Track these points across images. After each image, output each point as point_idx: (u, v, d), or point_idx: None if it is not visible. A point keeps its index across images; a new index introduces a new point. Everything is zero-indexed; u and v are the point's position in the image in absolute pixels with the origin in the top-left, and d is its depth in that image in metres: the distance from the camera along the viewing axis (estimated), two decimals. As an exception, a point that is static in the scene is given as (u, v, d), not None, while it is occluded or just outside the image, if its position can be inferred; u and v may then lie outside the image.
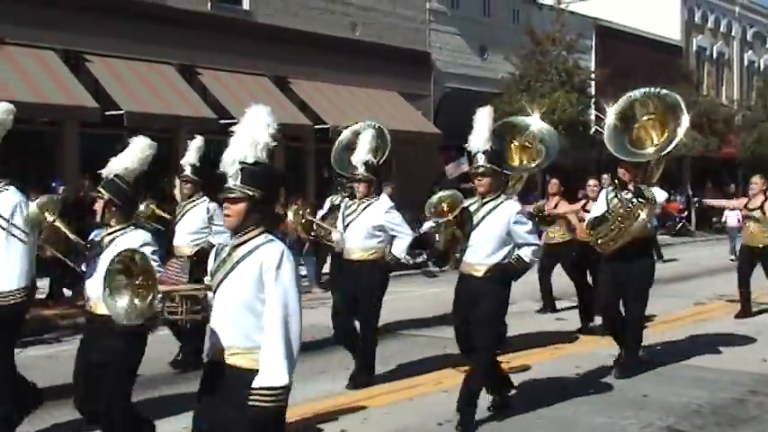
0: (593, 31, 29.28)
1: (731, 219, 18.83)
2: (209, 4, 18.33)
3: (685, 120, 7.88)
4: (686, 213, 28.74)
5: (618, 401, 6.89)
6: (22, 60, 15.13)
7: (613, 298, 7.94)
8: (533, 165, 7.83)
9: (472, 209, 6.29)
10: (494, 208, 6.24)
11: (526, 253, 6.20)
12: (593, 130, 24.63)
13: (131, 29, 16.62)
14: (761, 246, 10.97)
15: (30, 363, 7.38)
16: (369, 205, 7.58)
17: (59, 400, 7.15)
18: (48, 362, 8.61)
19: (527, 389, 7.21)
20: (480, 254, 6.23)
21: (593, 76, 24.59)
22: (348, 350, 7.76)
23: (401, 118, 21.30)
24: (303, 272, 14.60)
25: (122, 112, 15.38)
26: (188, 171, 8.57)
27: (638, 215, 7.58)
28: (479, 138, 6.43)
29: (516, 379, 7.56)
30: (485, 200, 6.30)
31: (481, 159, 6.30)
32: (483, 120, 6.56)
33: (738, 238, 17.57)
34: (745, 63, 39.39)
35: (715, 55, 37.06)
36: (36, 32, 15.33)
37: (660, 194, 8.07)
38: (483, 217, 6.23)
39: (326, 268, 15.45)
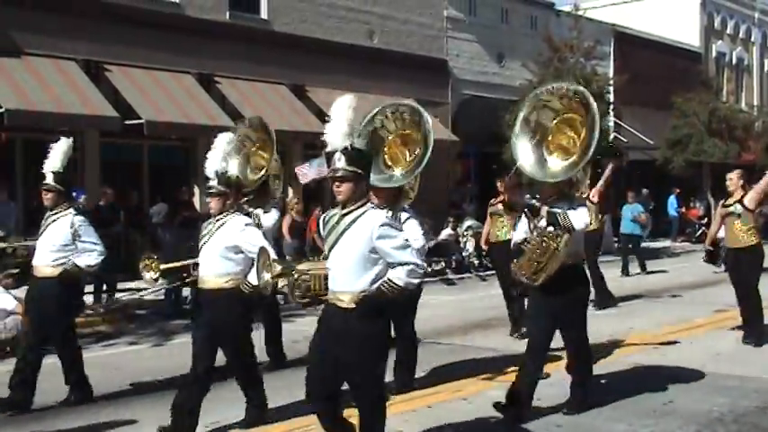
0: (611, 38, 29.18)
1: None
2: (227, 13, 18.43)
3: (595, 110, 6.43)
4: (706, 220, 28.55)
5: (639, 409, 6.83)
6: (42, 70, 15.26)
7: (544, 338, 6.77)
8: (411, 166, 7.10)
9: (332, 222, 5.07)
10: (354, 220, 4.96)
11: (398, 275, 4.85)
12: (611, 137, 24.54)
13: (151, 38, 16.74)
14: (746, 246, 9.70)
15: (49, 369, 7.42)
16: (224, 223, 6.33)
17: (78, 406, 7.21)
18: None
19: (547, 395, 7.17)
20: (343, 279, 4.97)
21: (611, 82, 24.47)
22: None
23: (419, 125, 21.30)
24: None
25: (142, 121, 15.48)
26: (49, 179, 7.40)
27: (556, 248, 6.42)
28: (336, 133, 5.09)
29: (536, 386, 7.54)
30: (344, 210, 5.00)
31: (340, 161, 4.98)
32: (340, 110, 5.16)
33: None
34: (765, 69, 39.10)
35: (734, 61, 36.85)
36: (56, 42, 15.47)
37: (580, 219, 6.45)
38: (342, 232, 4.98)
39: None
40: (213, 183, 6.33)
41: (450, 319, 11.85)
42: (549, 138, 6.76)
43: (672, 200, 26.82)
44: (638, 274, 17.52)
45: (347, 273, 4.92)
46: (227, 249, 6.22)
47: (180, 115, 16.31)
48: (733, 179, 9.87)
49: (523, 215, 6.90)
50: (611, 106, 24.43)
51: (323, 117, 19.37)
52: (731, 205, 9.76)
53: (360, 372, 4.93)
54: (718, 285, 15.66)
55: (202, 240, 6.38)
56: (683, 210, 27.58)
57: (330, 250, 5.02)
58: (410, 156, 7.18)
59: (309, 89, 19.67)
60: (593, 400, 6.98)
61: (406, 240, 4.99)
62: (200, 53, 17.49)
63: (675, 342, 9.78)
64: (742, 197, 9.73)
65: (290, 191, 16.96)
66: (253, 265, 5.92)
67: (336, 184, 4.99)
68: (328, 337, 5.00)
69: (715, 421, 6.51)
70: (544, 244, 6.47)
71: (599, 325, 10.92)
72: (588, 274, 7.11)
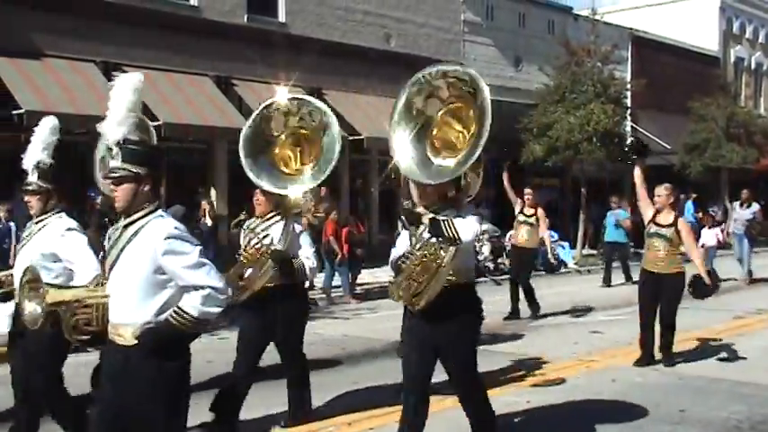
0: (629, 42, 29.09)
1: (708, 237, 17.52)
2: (245, 16, 18.50)
3: (485, 98, 5.44)
4: (723, 225, 28.35)
5: (655, 416, 6.80)
6: (61, 72, 15.37)
7: (425, 370, 5.49)
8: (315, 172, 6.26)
9: (114, 236, 4.06)
10: (136, 232, 3.96)
11: (192, 302, 3.86)
12: (628, 141, 24.45)
13: (169, 41, 16.84)
14: (668, 273, 8.58)
15: (69, 371, 7.45)
16: (44, 226, 5.35)
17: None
18: (88, 369, 8.69)
19: (562, 402, 7.15)
20: (123, 308, 3.94)
21: (628, 87, 24.41)
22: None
23: (435, 129, 21.32)
24: (337, 282, 14.64)
25: (160, 123, 15.54)
26: (33, 177, 5.71)
27: (440, 264, 5.19)
28: (111, 122, 4.22)
29: (552, 392, 7.52)
30: (127, 220, 4.02)
31: (116, 158, 4.09)
32: (121, 93, 4.26)
33: (714, 258, 16.81)
34: (784, 74, 38.90)
35: (753, 65, 36.64)
36: (75, 45, 15.59)
37: (468, 228, 5.20)
38: (122, 248, 3.97)
39: (358, 279, 15.50)
40: (32, 178, 5.45)
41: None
42: (434, 131, 5.59)
43: (689, 205, 26.67)
44: (622, 284, 16.14)
45: (128, 300, 3.93)
46: (44, 257, 5.16)
47: (197, 117, 16.38)
48: (662, 196, 8.72)
49: (401, 225, 5.72)
50: (629, 111, 24.34)
51: (340, 120, 19.43)
52: (664, 227, 8.57)
53: (146, 427, 3.95)
54: (736, 292, 15.60)
55: (21, 244, 5.45)
56: (701, 215, 27.39)
57: (110, 272, 4.03)
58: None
59: (326, 92, 19.69)
60: (609, 404, 6.94)
61: (201, 257, 3.91)
62: (217, 56, 17.57)
63: (692, 348, 9.72)
64: (675, 220, 8.63)
65: (308, 194, 17.00)
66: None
67: (112, 187, 4.08)
68: (107, 384, 4.03)
69: (732, 429, 6.46)
70: (425, 259, 5.24)
71: (615, 331, 10.91)
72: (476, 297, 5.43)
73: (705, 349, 9.72)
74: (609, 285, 16.33)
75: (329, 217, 14.84)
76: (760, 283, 16.65)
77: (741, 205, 17.65)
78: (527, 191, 12.85)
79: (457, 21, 23.53)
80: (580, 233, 21.91)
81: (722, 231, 17.68)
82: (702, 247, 16.91)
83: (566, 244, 21.26)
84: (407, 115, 5.71)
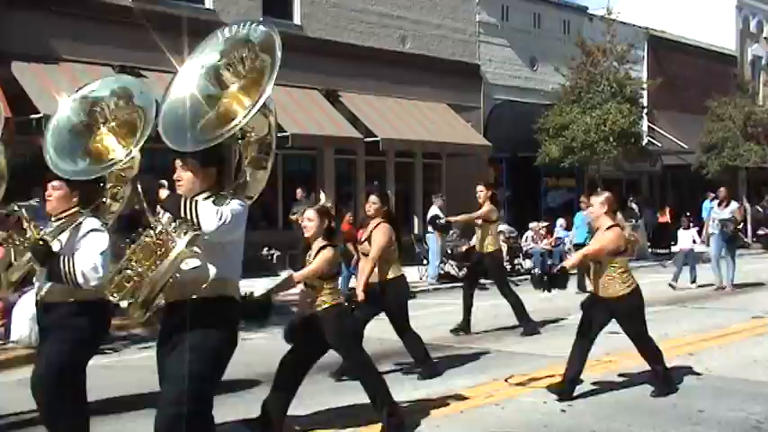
0: (645, 41, 29.00)
1: (684, 240, 16.65)
2: (260, 18, 18.56)
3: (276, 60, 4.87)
4: (741, 225, 28.17)
5: (673, 416, 6.78)
6: (79, 76, 15.46)
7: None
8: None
9: None
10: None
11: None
12: (645, 141, 24.36)
13: (185, 44, 16.90)
14: (616, 296, 7.26)
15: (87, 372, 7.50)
16: (73, 225, 5.30)
17: (114, 411, 7.29)
18: (104, 371, 8.76)
19: (579, 402, 7.14)
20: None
21: (645, 86, 24.33)
22: None
23: (451, 130, 21.32)
24: (353, 284, 14.64)
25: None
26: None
27: (161, 254, 4.32)
28: None
29: (568, 392, 7.51)
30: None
31: None
32: None
33: (696, 265, 16.13)
34: (802, 72, 38.64)
35: (771, 64, 36.44)
36: (93, 49, 15.71)
37: (209, 215, 4.25)
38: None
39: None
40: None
41: (482, 324, 11.81)
42: (224, 99, 4.74)
43: (707, 204, 26.53)
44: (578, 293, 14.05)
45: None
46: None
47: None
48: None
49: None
50: (645, 110, 24.25)
51: (355, 122, 19.55)
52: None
53: None
54: (754, 292, 15.51)
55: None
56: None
57: None
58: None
59: (342, 94, 19.76)
60: (626, 404, 6.93)
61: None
62: (233, 59, 17.64)
63: (710, 348, 9.69)
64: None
65: (322, 196, 17.05)
66: None
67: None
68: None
69: (751, 429, 6.44)
70: (149, 241, 4.38)
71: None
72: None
73: (723, 350, 9.68)
74: (585, 291, 14.34)
75: (345, 218, 14.87)
76: (747, 287, 16.11)
77: (719, 204, 16.23)
78: (479, 187, 11.25)
79: (472, 22, 23.53)
80: (597, 234, 21.84)
81: (699, 233, 16.49)
82: (679, 250, 16.54)
83: None
84: (208, 77, 4.91)
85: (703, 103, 27.95)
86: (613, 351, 9.58)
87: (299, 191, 17.16)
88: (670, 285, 15.61)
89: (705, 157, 27.41)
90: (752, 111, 28.05)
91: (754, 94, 31.35)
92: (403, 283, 8.24)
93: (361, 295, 7.76)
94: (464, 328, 10.96)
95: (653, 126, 27.94)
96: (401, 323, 8.28)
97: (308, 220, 6.35)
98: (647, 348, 7.53)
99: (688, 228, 16.58)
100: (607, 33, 22.81)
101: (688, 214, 20.74)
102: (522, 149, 23.04)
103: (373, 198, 8.31)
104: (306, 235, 6.40)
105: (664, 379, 7.47)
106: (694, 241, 16.32)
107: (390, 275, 8.06)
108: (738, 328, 11.34)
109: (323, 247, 6.27)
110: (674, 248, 17.01)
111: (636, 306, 7.36)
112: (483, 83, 23.65)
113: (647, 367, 7.69)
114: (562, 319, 12.17)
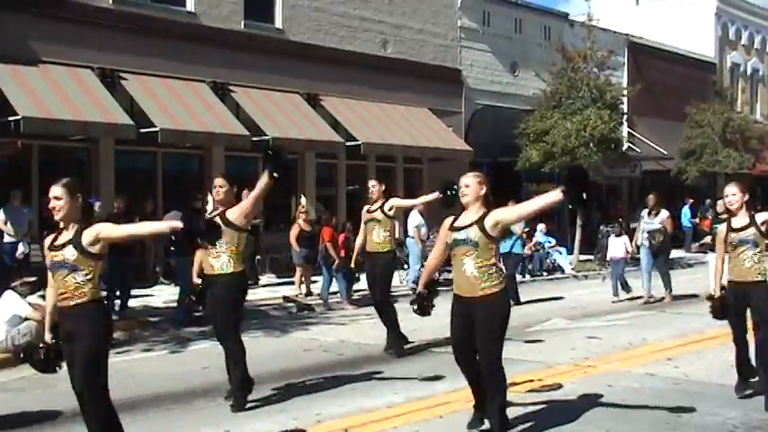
0: (625, 48, 29.19)
1: (615, 248, 15.44)
2: (242, 22, 18.53)
3: None
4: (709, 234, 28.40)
5: (651, 421, 6.81)
6: (58, 78, 15.38)
7: None
8: None
9: None
10: None
11: None
12: (625, 146, 24.49)
13: (166, 47, 16.86)
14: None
15: (63, 376, 7.45)
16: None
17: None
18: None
19: (559, 407, 7.16)
20: None
21: (625, 92, 24.47)
22: None
23: (432, 135, 21.36)
24: (335, 287, 14.65)
25: (157, 129, 15.57)
26: None
27: None
28: None
29: (548, 397, 7.54)
30: None
31: None
32: None
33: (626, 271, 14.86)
34: (781, 79, 39.05)
35: (749, 71, 36.76)
36: (72, 51, 15.60)
37: None
38: None
39: (356, 286, 15.49)
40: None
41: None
42: None
43: (686, 210, 26.74)
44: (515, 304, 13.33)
45: None
46: None
47: (194, 124, 16.39)
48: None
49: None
50: (625, 116, 24.40)
51: (336, 126, 19.54)
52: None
53: None
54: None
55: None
56: (697, 220, 27.47)
57: None
58: None
59: (323, 98, 19.74)
60: (605, 409, 6.95)
61: None
62: (214, 62, 17.60)
63: (688, 353, 9.75)
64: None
65: (303, 199, 17.02)
66: None
67: None
68: None
69: (728, 434, 6.48)
70: None
71: (612, 336, 10.94)
72: None
73: (701, 355, 9.74)
74: (518, 303, 13.85)
75: (327, 223, 14.87)
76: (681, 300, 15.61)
77: (649, 213, 14.88)
78: (371, 182, 10.40)
79: (453, 27, 23.59)
80: (577, 238, 21.94)
81: (631, 241, 15.32)
82: (610, 259, 15.46)
83: (563, 249, 21.30)
84: None
85: (682, 109, 28.16)
86: (593, 356, 9.63)
87: (245, 192, 16.42)
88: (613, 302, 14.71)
89: (684, 163, 27.61)
90: (730, 117, 28.28)
91: (733, 100, 31.63)
92: None
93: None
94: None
95: (633, 132, 28.11)
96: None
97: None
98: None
99: (620, 235, 15.56)
100: (588, 39, 22.91)
101: (621, 220, 20.41)
102: (503, 154, 23.11)
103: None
104: None
105: None
106: (627, 251, 15.26)
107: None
108: (716, 333, 11.37)
109: None
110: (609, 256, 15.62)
111: None
112: (464, 88, 23.71)
113: (626, 371, 7.71)
114: (544, 321, 12.21)
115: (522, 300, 14.39)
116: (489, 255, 6.05)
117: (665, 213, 14.91)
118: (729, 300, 7.47)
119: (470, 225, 6.10)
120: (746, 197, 7.39)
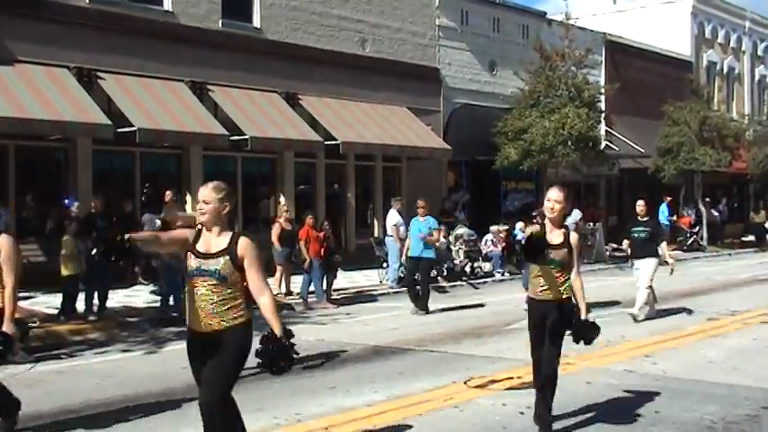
0: (602, 47, 29.33)
1: None
2: (219, 21, 18.46)
3: None
4: (697, 228, 28.67)
5: (629, 417, 6.85)
6: (35, 78, 15.25)
7: None
8: None
9: None
10: None
11: None
12: (602, 145, 24.62)
13: (144, 46, 16.77)
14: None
15: (42, 377, 7.40)
16: None
17: (69, 416, 7.20)
18: (59, 377, 8.64)
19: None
20: None
21: (602, 90, 24.60)
22: None
23: (411, 133, 21.37)
24: (312, 288, 14.61)
25: (134, 128, 15.48)
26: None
27: None
28: None
29: (526, 393, 7.55)
30: None
31: None
32: None
33: None
34: (756, 77, 39.38)
35: (725, 69, 37.06)
36: (49, 50, 15.47)
37: None
38: None
39: (335, 285, 15.48)
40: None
41: (442, 327, 11.86)
42: None
43: (663, 208, 26.91)
44: (419, 313, 13.54)
45: None
46: None
47: (172, 123, 16.31)
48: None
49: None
50: (603, 114, 24.53)
51: (315, 125, 19.51)
52: None
53: None
54: (709, 294, 15.75)
55: None
56: (675, 218, 27.66)
57: None
58: None
59: (302, 97, 19.70)
60: (583, 405, 6.99)
61: None
62: (192, 61, 17.52)
63: (667, 350, 9.82)
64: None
65: (282, 199, 16.98)
66: None
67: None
68: None
69: (705, 429, 6.53)
70: None
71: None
72: None
73: (679, 351, 9.81)
74: (427, 312, 13.55)
75: (307, 222, 14.83)
76: (732, 285, 16.62)
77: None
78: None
79: (432, 26, 23.61)
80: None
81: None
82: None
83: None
84: None
85: (659, 107, 28.35)
86: (571, 353, 9.67)
87: (168, 193, 15.75)
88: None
89: (661, 161, 27.79)
90: (707, 115, 28.49)
91: (709, 99, 31.85)
92: None
93: None
94: None
95: (610, 130, 28.27)
96: None
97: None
98: None
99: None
100: (565, 38, 23.03)
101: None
102: (482, 153, 23.17)
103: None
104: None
105: None
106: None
107: None
108: (694, 329, 11.51)
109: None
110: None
111: None
112: (442, 86, 23.74)
113: (604, 368, 7.75)
114: (522, 319, 12.24)
115: (499, 299, 14.42)
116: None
117: (577, 213, 15.48)
118: None
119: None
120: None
